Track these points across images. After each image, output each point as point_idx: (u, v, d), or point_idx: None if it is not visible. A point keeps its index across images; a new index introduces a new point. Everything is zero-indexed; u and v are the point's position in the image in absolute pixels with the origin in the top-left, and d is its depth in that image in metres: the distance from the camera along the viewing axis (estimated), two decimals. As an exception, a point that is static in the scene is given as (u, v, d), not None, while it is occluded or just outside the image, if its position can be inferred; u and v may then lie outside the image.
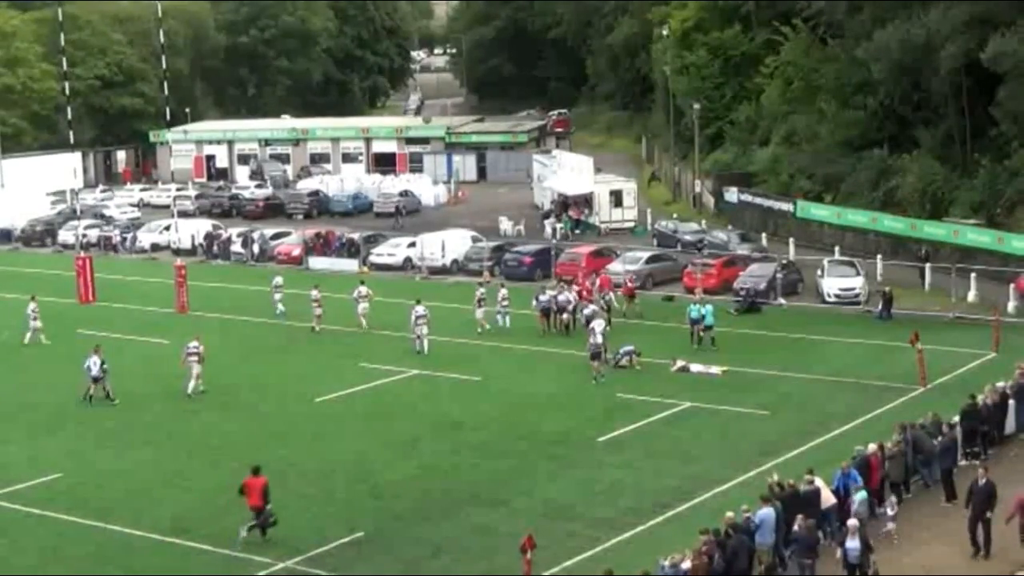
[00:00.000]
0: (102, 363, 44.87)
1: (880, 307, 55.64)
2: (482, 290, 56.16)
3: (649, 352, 48.71)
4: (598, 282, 57.98)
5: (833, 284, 59.39)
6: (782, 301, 59.31)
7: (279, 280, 60.39)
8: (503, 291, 56.20)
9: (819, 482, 30.11)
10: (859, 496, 29.66)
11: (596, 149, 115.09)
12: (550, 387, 45.65)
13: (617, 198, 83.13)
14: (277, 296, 59.16)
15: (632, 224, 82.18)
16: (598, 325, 47.80)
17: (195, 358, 45.83)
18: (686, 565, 26.03)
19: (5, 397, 46.33)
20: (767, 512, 28.10)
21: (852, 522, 27.55)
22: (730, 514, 27.85)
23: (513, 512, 33.30)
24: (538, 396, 44.50)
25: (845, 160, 74.73)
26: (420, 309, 51.50)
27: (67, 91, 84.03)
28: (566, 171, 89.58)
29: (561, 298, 54.07)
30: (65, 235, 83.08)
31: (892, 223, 67.50)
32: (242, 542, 31.28)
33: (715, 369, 47.16)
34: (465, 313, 56.62)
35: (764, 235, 73.98)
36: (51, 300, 60.73)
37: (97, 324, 57.36)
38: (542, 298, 54.13)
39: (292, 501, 34.46)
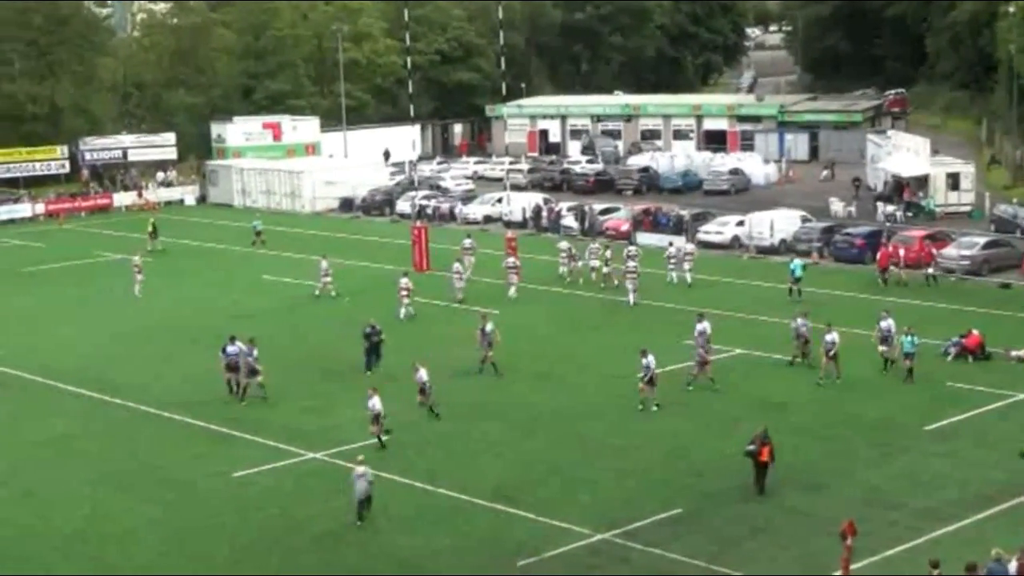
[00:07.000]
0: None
1: None
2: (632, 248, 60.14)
3: (982, 341, 47.10)
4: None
5: None
6: None
7: (632, 250, 59.86)
8: (594, 244, 61.56)
9: None
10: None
11: (933, 130, 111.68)
12: (872, 372, 44.66)
13: (954, 181, 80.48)
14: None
15: (969, 208, 79.51)
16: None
17: (463, 274, 56.72)
18: (1013, 564, 25.22)
19: (341, 362, 47.79)
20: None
21: None
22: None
23: (832, 497, 32.91)
24: (861, 381, 43.57)
25: None
26: (468, 241, 62.45)
27: (408, 65, 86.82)
28: (901, 152, 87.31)
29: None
30: (402, 205, 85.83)
31: None
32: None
33: (1052, 360, 45.30)
34: (784, 293, 56.04)
35: (1112, 223, 70.40)
36: (388, 268, 63.27)
37: (432, 292, 58.91)
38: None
39: (608, 475, 34.98)
